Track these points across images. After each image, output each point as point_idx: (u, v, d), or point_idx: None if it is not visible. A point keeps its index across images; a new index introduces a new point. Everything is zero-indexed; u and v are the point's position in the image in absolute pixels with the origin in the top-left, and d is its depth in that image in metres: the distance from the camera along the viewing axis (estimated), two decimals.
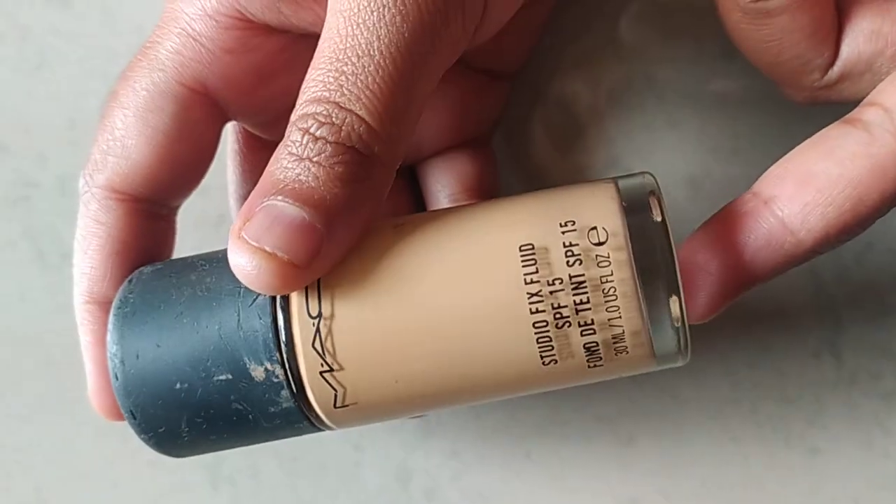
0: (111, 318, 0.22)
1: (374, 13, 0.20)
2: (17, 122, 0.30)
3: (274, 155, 0.21)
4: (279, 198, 0.20)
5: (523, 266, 0.21)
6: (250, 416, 0.22)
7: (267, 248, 0.20)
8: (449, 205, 0.28)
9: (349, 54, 0.20)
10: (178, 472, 0.30)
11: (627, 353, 0.21)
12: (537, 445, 0.30)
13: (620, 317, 0.21)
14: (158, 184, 0.24)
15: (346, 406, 0.21)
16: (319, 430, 0.23)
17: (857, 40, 0.23)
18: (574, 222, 0.21)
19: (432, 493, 0.30)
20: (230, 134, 0.27)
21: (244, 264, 0.20)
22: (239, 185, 0.27)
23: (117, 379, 0.22)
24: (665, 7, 0.29)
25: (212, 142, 0.24)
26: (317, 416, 0.22)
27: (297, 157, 0.20)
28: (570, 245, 0.21)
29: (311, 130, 0.20)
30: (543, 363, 0.21)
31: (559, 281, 0.20)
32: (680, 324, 0.21)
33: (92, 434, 0.30)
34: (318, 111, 0.20)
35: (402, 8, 0.20)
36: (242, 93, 0.24)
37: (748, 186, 0.29)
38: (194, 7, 0.23)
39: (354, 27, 0.20)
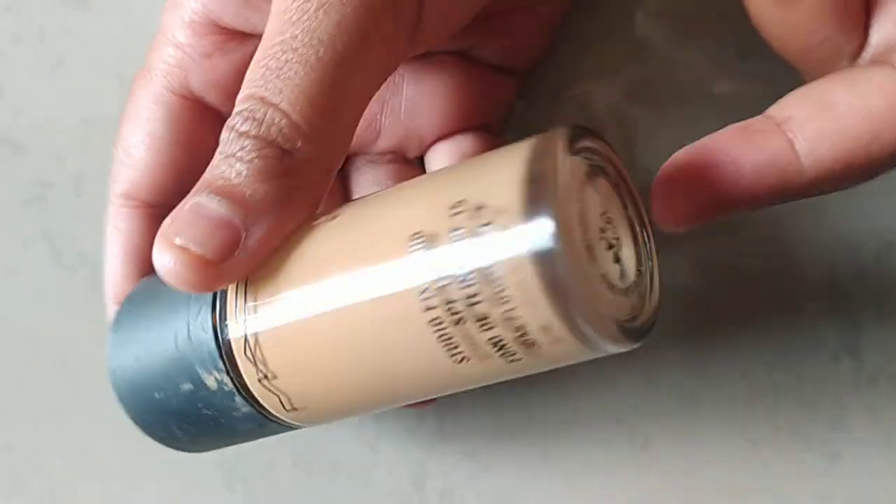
0: (108, 335, 0.23)
1: (300, 10, 0.20)
2: (33, 122, 0.30)
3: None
4: (204, 194, 0.20)
5: (419, 288, 0.18)
6: (222, 420, 0.22)
7: (182, 243, 0.20)
8: None
9: (275, 50, 0.20)
10: (192, 472, 0.30)
11: (541, 347, 0.18)
12: (553, 447, 0.30)
13: (515, 309, 0.17)
14: (164, 188, 0.25)
15: (297, 409, 0.21)
16: (294, 428, 0.23)
17: (887, 26, 0.22)
18: (464, 202, 0.18)
19: (447, 494, 0.30)
20: None
21: (164, 261, 0.20)
22: None
23: (116, 392, 0.23)
24: (683, 8, 0.29)
25: (210, 145, 0.25)
26: (278, 417, 0.22)
27: (224, 155, 0.20)
28: (457, 229, 0.18)
29: (237, 127, 0.20)
30: (457, 362, 0.19)
31: (448, 272, 0.18)
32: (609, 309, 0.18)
33: (107, 434, 0.30)
34: (244, 108, 0.20)
35: (325, 4, 0.20)
36: (228, 95, 0.25)
37: None
38: (176, 17, 0.24)
39: (282, 24, 0.20)
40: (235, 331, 0.21)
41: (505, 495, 0.30)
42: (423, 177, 0.21)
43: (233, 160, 0.20)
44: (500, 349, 0.18)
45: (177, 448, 0.23)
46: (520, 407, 0.30)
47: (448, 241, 0.18)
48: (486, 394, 0.29)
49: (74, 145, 0.30)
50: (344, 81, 0.20)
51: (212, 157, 0.25)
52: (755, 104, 0.29)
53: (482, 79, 0.27)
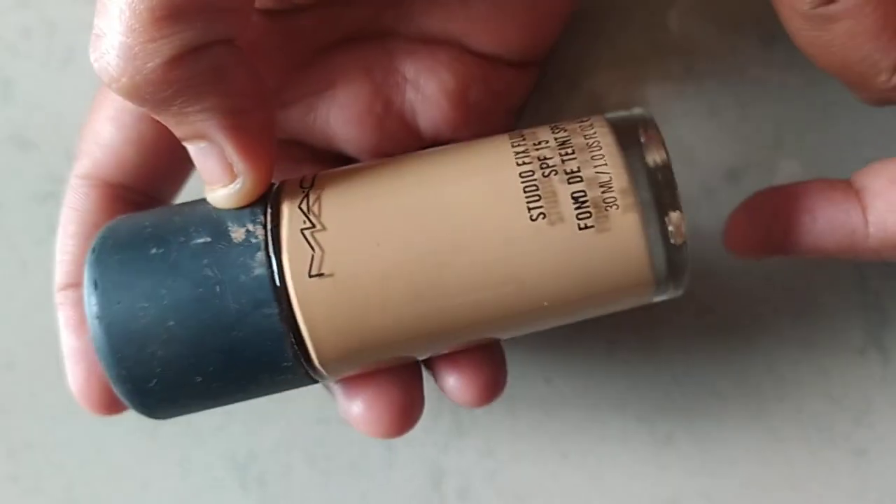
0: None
1: None
2: (45, 118, 0.30)
3: None
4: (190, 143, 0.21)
5: (511, 141, 0.21)
6: (217, 288, 0.20)
7: (215, 186, 0.21)
8: None
9: None
10: (207, 472, 0.30)
11: (617, 208, 0.20)
12: (573, 444, 0.29)
13: (606, 165, 0.20)
14: (128, 165, 0.24)
15: (322, 275, 0.20)
16: (291, 344, 0.21)
17: None
18: (561, 125, 0.22)
19: (466, 492, 0.29)
20: None
21: (212, 201, 0.21)
22: None
23: (93, 252, 0.21)
24: None
25: None
26: (287, 294, 0.20)
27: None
28: (556, 125, 0.22)
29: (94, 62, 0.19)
30: (532, 218, 0.20)
31: (545, 142, 0.21)
32: (677, 234, 0.21)
33: (122, 434, 0.30)
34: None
35: None
36: None
37: (789, 177, 0.29)
38: None
39: None
40: (291, 190, 0.21)
41: (524, 494, 0.29)
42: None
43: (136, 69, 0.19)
44: (579, 206, 0.20)
45: (116, 329, 0.20)
46: (538, 404, 0.30)
47: (548, 129, 0.21)
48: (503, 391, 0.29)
49: None
50: None
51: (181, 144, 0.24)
52: (779, 94, 0.29)
53: (489, 75, 0.27)
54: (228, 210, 0.21)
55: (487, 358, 0.24)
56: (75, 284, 0.24)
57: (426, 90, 0.26)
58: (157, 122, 0.23)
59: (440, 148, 0.22)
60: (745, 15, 0.28)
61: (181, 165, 0.25)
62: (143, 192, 0.24)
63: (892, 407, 0.29)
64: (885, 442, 0.29)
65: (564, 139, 0.21)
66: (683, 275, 0.21)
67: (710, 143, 0.29)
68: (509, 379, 0.27)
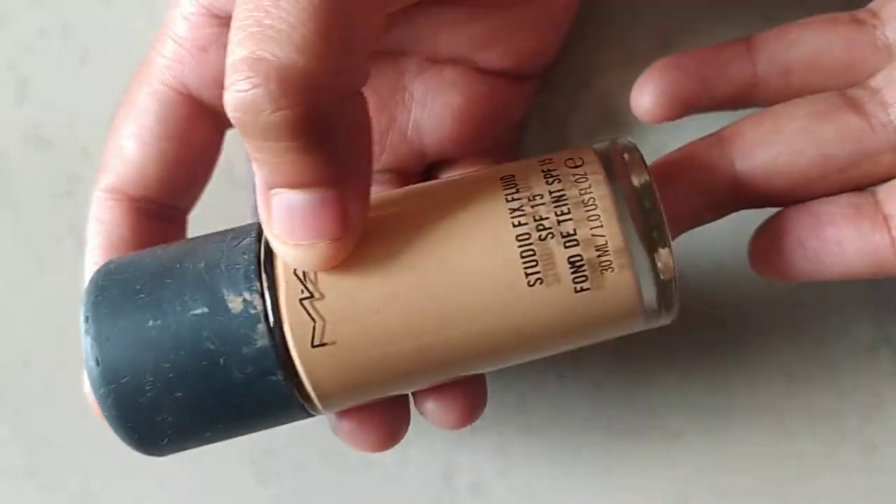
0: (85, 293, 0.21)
1: None
2: (62, 117, 0.30)
3: None
4: (284, 193, 0.20)
5: (504, 188, 0.21)
6: (221, 360, 0.20)
7: (303, 243, 0.20)
8: None
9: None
10: (223, 468, 0.30)
11: (613, 271, 0.20)
12: (584, 441, 0.29)
13: (602, 226, 0.20)
14: (150, 182, 0.24)
15: (325, 345, 0.20)
16: (297, 399, 0.21)
17: None
18: (551, 159, 0.21)
19: (478, 488, 0.30)
20: None
21: (293, 261, 0.20)
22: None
23: (91, 312, 0.21)
24: None
25: (204, 141, 0.25)
26: (292, 362, 0.20)
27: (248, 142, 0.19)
28: (549, 170, 0.21)
29: (239, 90, 0.19)
30: (529, 283, 0.20)
31: (539, 196, 0.21)
32: (666, 272, 0.21)
33: None
34: (238, 67, 0.19)
35: None
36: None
37: None
38: (175, 11, 0.24)
39: None
40: None
41: (536, 489, 0.30)
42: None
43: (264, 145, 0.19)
44: (575, 270, 0.20)
45: (123, 409, 0.21)
46: (550, 400, 0.30)
47: (541, 176, 0.21)
48: (513, 386, 0.29)
49: (101, 140, 0.29)
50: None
51: (203, 154, 0.25)
52: None
53: (495, 92, 0.27)
54: (220, 272, 0.21)
55: (467, 383, 0.24)
56: None
57: (433, 109, 0.26)
58: (178, 139, 0.24)
59: (430, 191, 0.22)
60: (755, 15, 0.28)
61: (199, 178, 0.25)
62: (164, 203, 0.25)
63: None
64: (895, 437, 0.29)
65: (559, 194, 0.21)
66: (672, 306, 0.21)
67: None
68: (521, 375, 0.27)
